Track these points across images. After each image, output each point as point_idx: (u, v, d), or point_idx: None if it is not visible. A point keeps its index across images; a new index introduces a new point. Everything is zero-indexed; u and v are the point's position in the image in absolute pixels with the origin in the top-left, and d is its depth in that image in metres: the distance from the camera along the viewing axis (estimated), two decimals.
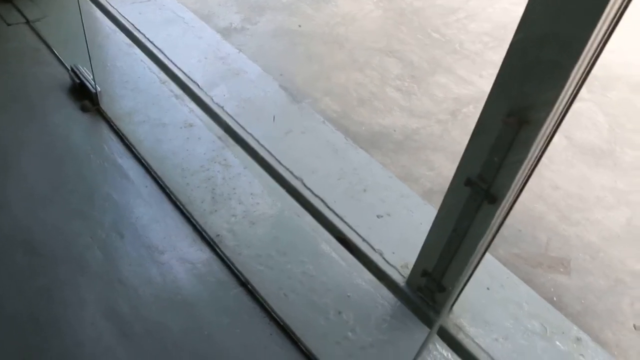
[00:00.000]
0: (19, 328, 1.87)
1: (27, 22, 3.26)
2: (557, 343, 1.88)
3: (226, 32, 3.94)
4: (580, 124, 3.41)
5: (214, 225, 2.22)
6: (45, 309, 1.92)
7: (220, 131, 2.69)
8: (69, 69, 2.85)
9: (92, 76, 2.73)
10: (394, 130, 3.23)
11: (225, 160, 2.50)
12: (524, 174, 1.44)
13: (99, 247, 2.13)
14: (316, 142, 2.64)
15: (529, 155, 1.37)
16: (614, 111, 3.55)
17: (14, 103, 2.72)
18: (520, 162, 1.39)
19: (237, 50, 3.25)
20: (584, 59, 1.18)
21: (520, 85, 1.31)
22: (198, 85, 2.92)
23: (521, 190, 1.50)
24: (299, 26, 4.17)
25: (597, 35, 1.14)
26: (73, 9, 3.25)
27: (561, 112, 1.31)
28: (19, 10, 3.32)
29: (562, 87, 1.22)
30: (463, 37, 4.20)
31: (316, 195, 2.35)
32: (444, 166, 2.98)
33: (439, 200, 1.72)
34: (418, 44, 4.08)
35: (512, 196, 1.49)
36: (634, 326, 2.29)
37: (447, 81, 3.69)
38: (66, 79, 2.86)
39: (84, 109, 2.70)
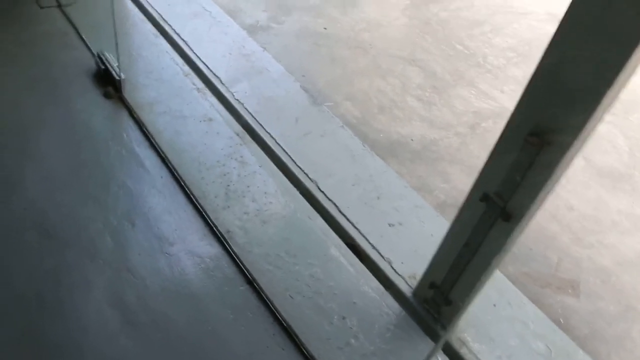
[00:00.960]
0: (25, 308, 1.89)
1: (59, 5, 3.30)
2: None
3: (252, 30, 3.96)
4: (600, 146, 3.37)
5: (226, 221, 2.23)
6: (52, 292, 1.94)
7: (238, 127, 2.70)
8: (95, 54, 2.88)
9: (117, 63, 2.75)
10: (412, 140, 3.22)
11: (241, 157, 2.51)
12: (543, 195, 1.43)
13: (110, 234, 2.15)
14: (334, 146, 2.64)
15: (550, 177, 1.36)
16: (635, 135, 3.51)
17: (39, 84, 2.75)
18: (541, 183, 1.38)
19: (262, 49, 3.27)
20: (617, 85, 1.16)
21: (547, 106, 1.30)
22: (220, 80, 2.94)
23: (537, 210, 1.49)
24: (325, 29, 4.17)
25: (633, 61, 1.12)
26: None
27: (587, 136, 1.30)
28: None
29: (592, 112, 1.20)
30: (487, 50, 4.18)
31: (330, 199, 2.35)
32: (460, 179, 2.97)
33: (452, 213, 1.71)
34: (442, 54, 4.06)
35: (528, 216, 1.48)
36: None
37: (469, 94, 3.68)
38: (92, 64, 2.88)
39: (106, 96, 2.73)
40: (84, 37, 3.07)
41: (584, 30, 1.15)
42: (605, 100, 1.18)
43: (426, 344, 1.90)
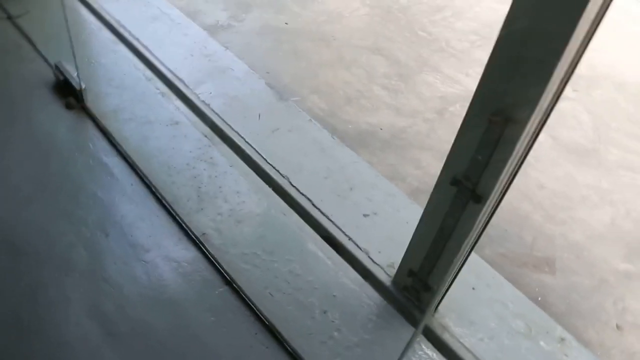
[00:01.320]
0: (3, 329, 1.85)
1: (9, 17, 3.21)
2: (542, 343, 1.89)
3: (213, 30, 3.92)
4: (565, 123, 3.43)
5: (200, 223, 2.21)
6: (29, 310, 1.90)
7: (206, 129, 2.68)
8: (53, 66, 2.82)
9: (76, 73, 2.70)
10: (381, 129, 3.23)
11: (211, 158, 2.49)
12: (510, 173, 1.45)
13: (84, 245, 2.12)
14: (303, 141, 2.63)
15: (514, 154, 1.37)
16: (599, 110, 3.58)
17: None
18: (506, 160, 1.39)
19: (224, 48, 3.24)
20: (567, 56, 1.18)
21: (505, 83, 1.31)
22: (184, 83, 2.90)
23: (507, 190, 1.51)
24: (286, 24, 4.16)
25: (579, 32, 1.14)
26: (56, 5, 3.22)
27: (546, 110, 1.32)
28: (0, 5, 3.27)
29: (545, 84, 1.22)
30: (449, 35, 4.21)
31: (302, 194, 2.35)
32: (431, 165, 2.99)
33: (425, 199, 1.72)
34: (405, 42, 4.08)
35: (497, 195, 1.50)
36: (617, 325, 2.31)
37: (434, 80, 3.70)
38: (50, 76, 2.82)
39: (68, 107, 2.68)
40: (39, 48, 3.00)
41: (532, 4, 1.17)
42: (559, 72, 1.20)
43: (409, 331, 1.91)
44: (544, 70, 1.20)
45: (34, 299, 1.94)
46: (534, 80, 1.24)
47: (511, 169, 1.42)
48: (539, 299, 2.37)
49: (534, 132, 1.36)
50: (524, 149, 1.39)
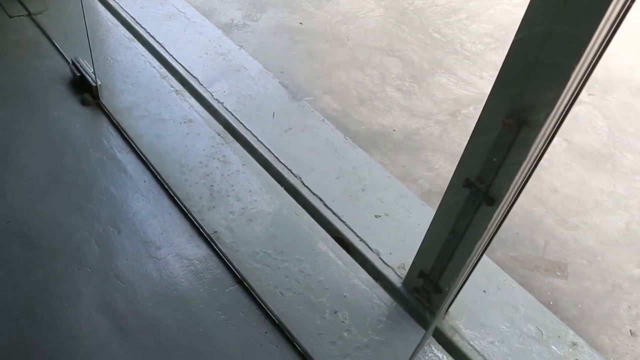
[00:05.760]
0: (15, 321, 1.87)
1: (29, 14, 3.25)
2: (553, 347, 1.88)
3: (227, 28, 3.94)
4: (580, 127, 3.41)
5: (212, 221, 2.22)
6: (41, 302, 1.92)
7: (219, 127, 2.69)
8: (70, 62, 2.84)
9: (92, 69, 2.72)
10: (394, 130, 3.23)
11: (224, 156, 2.50)
12: (523, 176, 1.44)
13: (96, 241, 2.13)
14: (315, 141, 2.64)
15: (528, 157, 1.37)
16: (614, 115, 3.55)
17: (14, 95, 2.71)
18: (519, 163, 1.39)
19: (238, 47, 3.25)
20: (585, 60, 1.17)
21: (520, 86, 1.31)
22: (198, 81, 2.92)
23: (520, 193, 1.50)
24: (300, 23, 4.16)
25: (598, 36, 1.13)
26: (75, 2, 3.25)
27: (561, 114, 1.31)
28: (21, 3, 3.31)
29: (562, 88, 1.22)
30: (464, 37, 4.19)
31: (314, 194, 2.35)
32: (443, 167, 2.98)
33: (437, 201, 1.72)
34: (419, 43, 4.07)
35: (510, 198, 1.49)
36: (631, 332, 2.29)
37: (448, 82, 3.69)
38: (67, 72, 2.85)
39: (84, 103, 2.70)
40: (57, 44, 3.03)
41: (551, 7, 1.17)
42: (576, 76, 1.19)
43: (418, 333, 1.90)
44: (561, 74, 1.20)
45: (46, 291, 1.95)
46: (551, 84, 1.23)
47: (525, 172, 1.42)
48: (551, 303, 2.35)
49: (549, 136, 1.35)
50: (539, 152, 1.38)
